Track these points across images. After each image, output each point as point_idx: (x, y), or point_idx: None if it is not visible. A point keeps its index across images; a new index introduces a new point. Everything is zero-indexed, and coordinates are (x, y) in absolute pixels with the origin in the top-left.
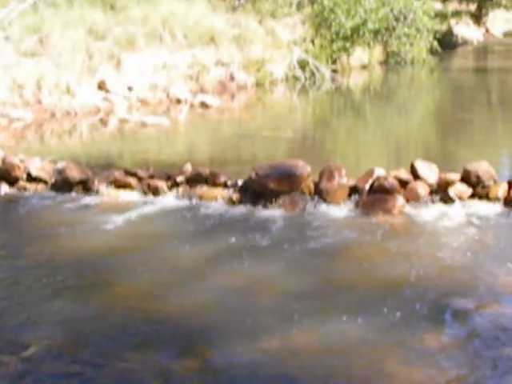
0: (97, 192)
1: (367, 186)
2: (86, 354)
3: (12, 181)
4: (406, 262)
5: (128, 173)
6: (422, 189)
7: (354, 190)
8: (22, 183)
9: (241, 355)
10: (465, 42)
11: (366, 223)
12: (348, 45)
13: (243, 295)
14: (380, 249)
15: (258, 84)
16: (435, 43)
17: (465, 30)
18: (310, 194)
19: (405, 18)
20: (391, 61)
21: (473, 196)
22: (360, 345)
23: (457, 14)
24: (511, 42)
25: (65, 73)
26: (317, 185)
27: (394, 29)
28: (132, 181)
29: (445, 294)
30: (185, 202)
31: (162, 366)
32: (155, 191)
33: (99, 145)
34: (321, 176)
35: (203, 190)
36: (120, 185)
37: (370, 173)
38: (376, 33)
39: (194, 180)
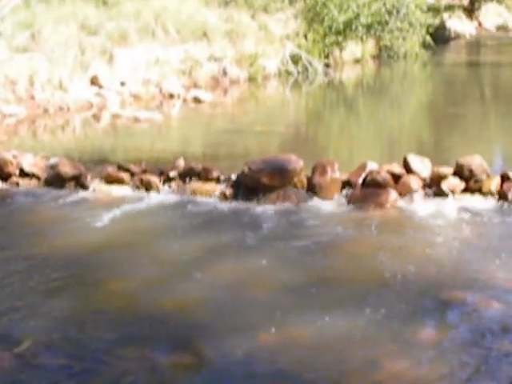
0: (89, 187)
1: (360, 180)
2: (78, 350)
3: (4, 176)
4: (399, 256)
5: (121, 168)
6: (414, 183)
7: (346, 185)
8: (14, 179)
9: (234, 350)
10: (457, 36)
11: (359, 217)
12: (341, 39)
13: (236, 290)
14: (373, 243)
15: (251, 79)
16: (428, 37)
17: (457, 23)
18: (302, 188)
19: (397, 12)
20: (384, 55)
21: (466, 190)
22: (353, 339)
23: (449, 7)
24: (504, 35)
25: (57, 68)
26: (309, 179)
27: (386, 23)
28: (125, 176)
29: (438, 288)
30: (177, 197)
31: (155, 361)
32: (148, 186)
33: (92, 140)
34: (313, 170)
35: (196, 184)
36: (113, 180)
37: (363, 167)
38: (369, 27)
39: (187, 175)
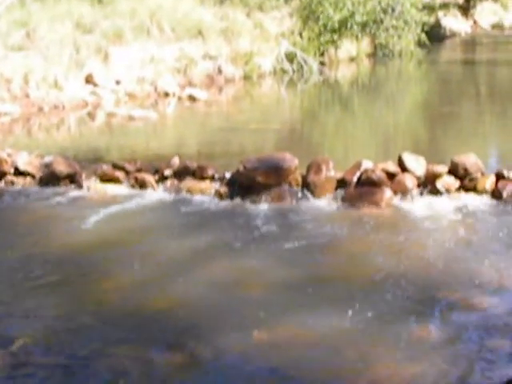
0: (84, 186)
1: (355, 179)
2: (73, 349)
3: None
4: (394, 254)
5: (116, 166)
6: (409, 181)
7: (341, 183)
8: (9, 177)
9: (229, 349)
10: (453, 34)
11: (354, 216)
12: (336, 37)
13: (231, 289)
14: (367, 242)
15: (246, 77)
16: (423, 35)
17: (453, 22)
18: (297, 186)
19: (393, 10)
20: (379, 53)
21: (460, 188)
22: (348, 338)
23: (445, 6)
24: (499, 34)
25: (52, 67)
26: (304, 178)
27: (381, 21)
28: (120, 174)
29: (432, 287)
30: (172, 196)
31: (149, 360)
32: (143, 185)
33: (87, 139)
34: (308, 169)
35: (191, 183)
36: (107, 178)
37: (358, 165)
38: (364, 25)
39: (182, 173)
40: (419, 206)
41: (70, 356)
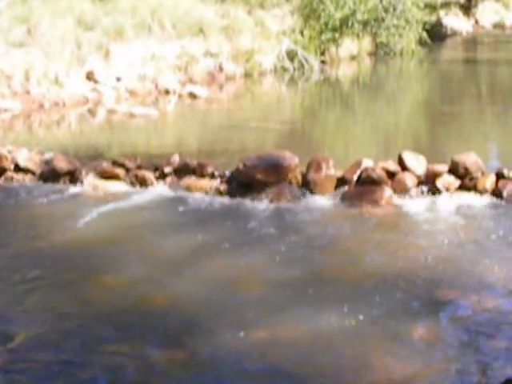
0: (84, 183)
1: (355, 177)
2: (71, 345)
3: None
4: (394, 253)
5: (116, 163)
6: (409, 180)
7: (341, 181)
8: (9, 174)
9: (227, 346)
10: (454, 33)
11: (354, 214)
12: (337, 36)
13: (230, 286)
14: (367, 240)
15: (247, 75)
16: (424, 34)
17: (454, 21)
18: (297, 185)
19: (394, 8)
20: (380, 52)
21: (461, 187)
22: (347, 336)
23: (446, 4)
24: (500, 33)
25: (53, 63)
26: (304, 176)
27: (383, 20)
28: (120, 172)
29: (432, 285)
30: (172, 193)
31: (148, 357)
32: (143, 182)
33: (87, 135)
34: (308, 167)
35: (191, 180)
36: (108, 175)
37: (358, 164)
38: (365, 24)
39: (182, 171)
40: (419, 204)
41: (68, 353)
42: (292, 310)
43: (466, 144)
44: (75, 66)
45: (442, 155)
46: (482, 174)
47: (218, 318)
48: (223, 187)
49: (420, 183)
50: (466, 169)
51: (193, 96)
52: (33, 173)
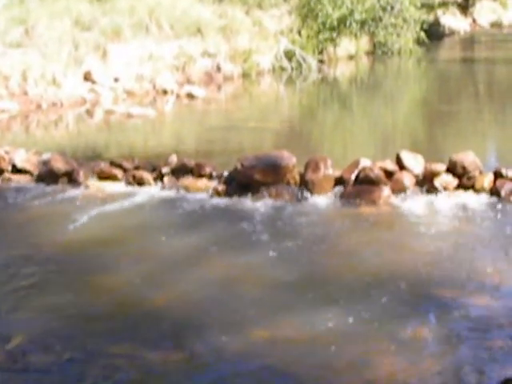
0: (82, 184)
1: (353, 177)
2: (69, 347)
3: None
4: (392, 252)
5: (113, 164)
6: (407, 179)
7: (339, 181)
8: (6, 175)
9: (226, 347)
10: (452, 33)
11: (352, 214)
12: (335, 35)
13: (229, 287)
14: (365, 239)
15: (245, 75)
16: (422, 34)
17: (452, 20)
18: (295, 185)
19: (392, 8)
20: (378, 51)
21: (459, 187)
22: (346, 336)
23: (444, 4)
24: (498, 32)
25: (51, 64)
26: (302, 176)
27: (380, 19)
28: (117, 172)
29: (431, 284)
30: (170, 194)
31: (146, 358)
32: (140, 182)
33: (85, 136)
34: (306, 167)
35: (188, 181)
36: (105, 176)
37: (356, 164)
38: (363, 23)
39: (180, 171)
40: (417, 204)
41: (66, 355)
42: (290, 310)
43: (464, 143)
44: (73, 66)
45: (440, 154)
46: (480, 173)
47: (216, 319)
48: (221, 187)
49: (418, 182)
50: (464, 168)
51: (190, 96)
52: (30, 174)
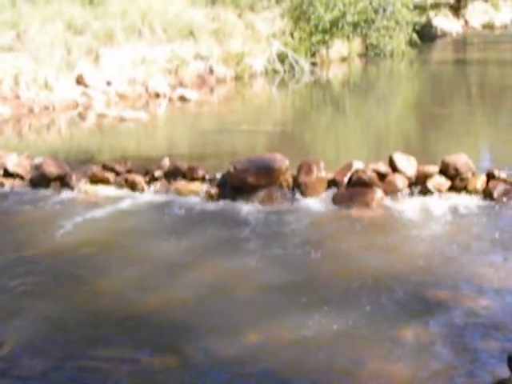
0: (74, 187)
1: (346, 179)
2: (63, 352)
3: None
4: (385, 254)
5: (106, 168)
6: (400, 181)
7: (332, 184)
8: None
9: (220, 351)
10: (444, 34)
11: (345, 216)
12: (327, 37)
13: (222, 290)
14: (358, 242)
15: (238, 77)
16: (414, 35)
17: (444, 21)
18: (288, 187)
19: (384, 10)
20: (370, 53)
21: (451, 188)
22: (340, 339)
23: (436, 5)
24: (490, 33)
25: (43, 67)
26: (295, 178)
27: (373, 21)
28: (110, 176)
29: (424, 286)
30: (163, 197)
31: (140, 361)
32: (133, 186)
33: (77, 140)
34: (299, 170)
35: (181, 184)
36: (98, 180)
37: (349, 166)
38: (355, 25)
39: (172, 174)
40: (410, 206)
41: (59, 360)
42: (284, 314)
43: (457, 145)
44: (65, 70)
45: (433, 156)
46: (473, 174)
47: (209, 323)
48: (214, 190)
49: (411, 184)
50: (457, 170)
51: (183, 99)
52: (22, 178)
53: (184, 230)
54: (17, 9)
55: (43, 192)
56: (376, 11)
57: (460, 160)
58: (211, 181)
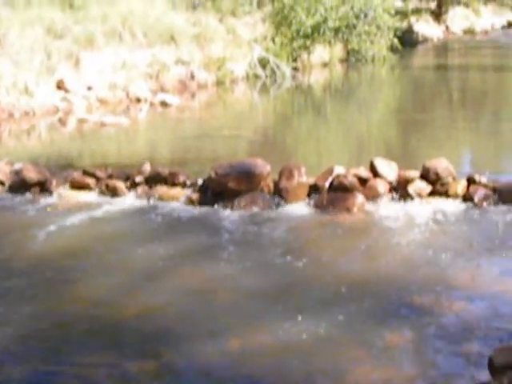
0: (54, 193)
1: (327, 184)
2: (42, 359)
3: None
4: (366, 259)
5: (86, 173)
6: (381, 186)
7: (313, 189)
8: None
9: (199, 356)
10: (425, 40)
11: (326, 221)
12: (308, 43)
13: (202, 296)
14: (339, 247)
15: (219, 82)
16: (395, 41)
17: (425, 27)
18: (269, 192)
19: (365, 15)
20: (352, 59)
21: (432, 193)
22: (320, 344)
23: (417, 11)
24: (471, 39)
25: (23, 72)
26: (276, 184)
27: (354, 26)
28: (90, 181)
29: (404, 290)
30: (144, 203)
31: (120, 368)
32: (114, 192)
33: (58, 145)
34: (280, 175)
35: (162, 189)
36: (78, 185)
37: (330, 171)
38: (336, 31)
39: (153, 180)
40: (391, 211)
41: (39, 366)
42: (265, 319)
43: (438, 150)
44: (45, 75)
45: (414, 161)
46: (454, 179)
47: (190, 328)
48: (195, 196)
49: (392, 189)
50: (438, 174)
51: (164, 104)
52: (2, 183)
53: (165, 235)
54: None
55: (23, 198)
56: (357, 16)
57: (441, 165)
58: (192, 186)
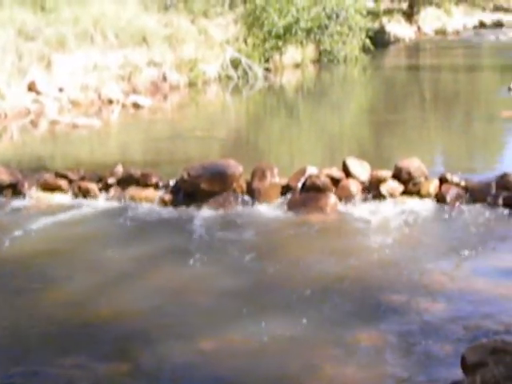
0: (26, 195)
1: (299, 185)
2: (18, 360)
3: None
4: (339, 259)
5: (58, 175)
6: (353, 186)
7: (286, 189)
8: None
9: (174, 357)
10: (397, 40)
11: (299, 222)
12: (280, 43)
13: (176, 297)
14: (312, 247)
15: (191, 84)
16: (367, 41)
17: (397, 27)
18: (242, 193)
19: (337, 16)
20: (324, 59)
21: (404, 193)
22: (294, 344)
23: (389, 12)
24: (442, 39)
25: None
26: (249, 184)
27: (326, 27)
28: (63, 183)
29: (376, 290)
30: (116, 204)
31: (94, 369)
32: (86, 193)
33: (30, 147)
34: (253, 175)
35: (135, 191)
36: (50, 187)
37: (302, 171)
38: (308, 31)
39: (126, 181)
40: (364, 211)
41: (14, 368)
42: (238, 320)
43: (410, 150)
44: (16, 77)
45: (386, 161)
46: (426, 178)
47: (163, 329)
48: (168, 197)
49: (364, 189)
50: (410, 174)
51: (136, 106)
52: None
53: (137, 237)
54: None
55: None
56: (329, 17)
57: (413, 164)
58: (165, 187)
